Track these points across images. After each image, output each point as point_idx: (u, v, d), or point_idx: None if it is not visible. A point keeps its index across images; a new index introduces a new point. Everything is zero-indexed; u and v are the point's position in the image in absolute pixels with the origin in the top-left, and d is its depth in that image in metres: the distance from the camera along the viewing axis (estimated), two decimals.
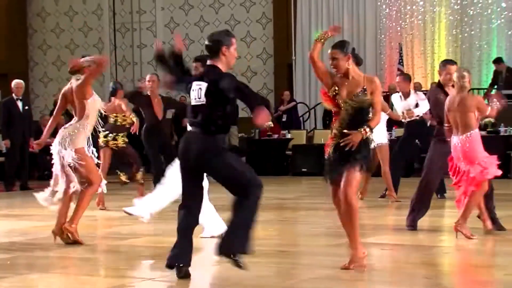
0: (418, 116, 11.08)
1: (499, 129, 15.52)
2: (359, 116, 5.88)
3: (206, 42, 5.84)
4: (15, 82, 14.39)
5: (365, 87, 5.89)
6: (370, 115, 5.92)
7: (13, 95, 14.26)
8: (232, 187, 5.59)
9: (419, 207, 8.20)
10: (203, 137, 5.62)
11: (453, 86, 7.83)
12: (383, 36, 18.88)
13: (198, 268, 5.98)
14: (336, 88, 5.93)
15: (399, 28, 18.76)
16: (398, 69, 18.26)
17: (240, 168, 5.59)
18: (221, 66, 5.79)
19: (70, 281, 5.98)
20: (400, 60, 18.26)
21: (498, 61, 16.86)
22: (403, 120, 11.28)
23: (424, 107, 10.81)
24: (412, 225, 8.14)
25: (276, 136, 17.58)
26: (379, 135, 10.77)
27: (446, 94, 7.92)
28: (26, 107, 14.45)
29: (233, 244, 5.51)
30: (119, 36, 21.22)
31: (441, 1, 18.47)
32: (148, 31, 21.06)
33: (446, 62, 8.30)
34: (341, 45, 5.98)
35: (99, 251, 7.39)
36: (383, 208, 10.56)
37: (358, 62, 5.99)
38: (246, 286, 5.60)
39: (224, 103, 5.63)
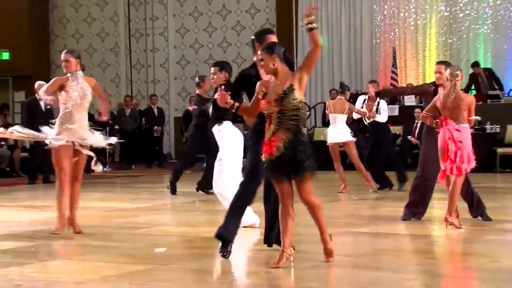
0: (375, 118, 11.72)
1: (486, 126, 15.51)
2: (295, 116, 5.57)
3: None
4: (38, 84, 14.36)
5: (292, 82, 5.64)
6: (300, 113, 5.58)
7: (36, 95, 14.25)
8: None
9: (416, 203, 8.12)
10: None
11: (440, 85, 7.85)
12: (378, 41, 18.85)
13: (203, 258, 5.97)
14: (264, 89, 5.66)
15: (392, 34, 18.73)
16: (392, 71, 18.27)
17: None
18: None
19: (88, 267, 5.98)
20: (394, 63, 18.24)
21: (476, 64, 16.92)
22: (366, 119, 11.70)
23: (383, 117, 11.64)
24: (406, 218, 8.12)
25: None
26: (344, 133, 11.59)
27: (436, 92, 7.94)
28: (48, 107, 14.44)
29: None
30: (133, 41, 21.21)
31: (431, 9, 18.43)
32: (161, 36, 21.05)
33: (436, 63, 8.41)
34: (267, 48, 5.74)
35: (116, 239, 7.39)
36: (377, 199, 10.54)
37: (289, 62, 5.76)
38: (249, 273, 5.59)
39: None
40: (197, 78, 11.75)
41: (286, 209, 5.64)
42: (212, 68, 7.95)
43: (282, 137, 5.49)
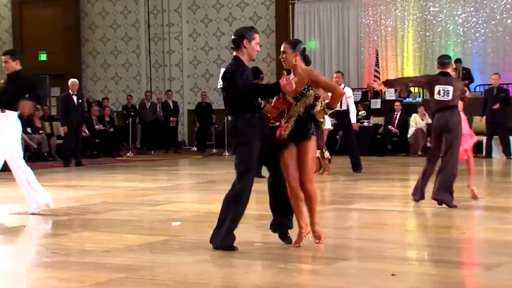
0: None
1: None
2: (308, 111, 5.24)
3: (232, 36, 5.24)
4: (71, 81, 14.40)
5: (309, 83, 5.19)
6: (318, 105, 5.24)
7: (69, 91, 14.26)
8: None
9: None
10: (232, 118, 5.22)
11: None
12: (363, 43, 18.77)
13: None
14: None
15: (375, 38, 18.65)
16: (375, 70, 18.19)
17: (243, 159, 5.12)
18: (243, 57, 5.17)
19: (114, 238, 5.98)
20: (376, 63, 18.17)
21: (458, 61, 16.78)
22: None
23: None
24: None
25: None
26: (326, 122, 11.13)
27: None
28: (80, 101, 14.44)
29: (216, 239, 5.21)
30: (152, 44, 21.15)
31: (409, 15, 18.36)
32: (176, 40, 20.98)
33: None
34: (292, 43, 5.30)
35: (138, 214, 7.39)
36: (360, 180, 10.51)
37: (307, 62, 5.33)
38: (272, 243, 5.50)
39: (234, 85, 5.09)
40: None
41: (295, 192, 5.27)
42: (3, 57, 7.26)
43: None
